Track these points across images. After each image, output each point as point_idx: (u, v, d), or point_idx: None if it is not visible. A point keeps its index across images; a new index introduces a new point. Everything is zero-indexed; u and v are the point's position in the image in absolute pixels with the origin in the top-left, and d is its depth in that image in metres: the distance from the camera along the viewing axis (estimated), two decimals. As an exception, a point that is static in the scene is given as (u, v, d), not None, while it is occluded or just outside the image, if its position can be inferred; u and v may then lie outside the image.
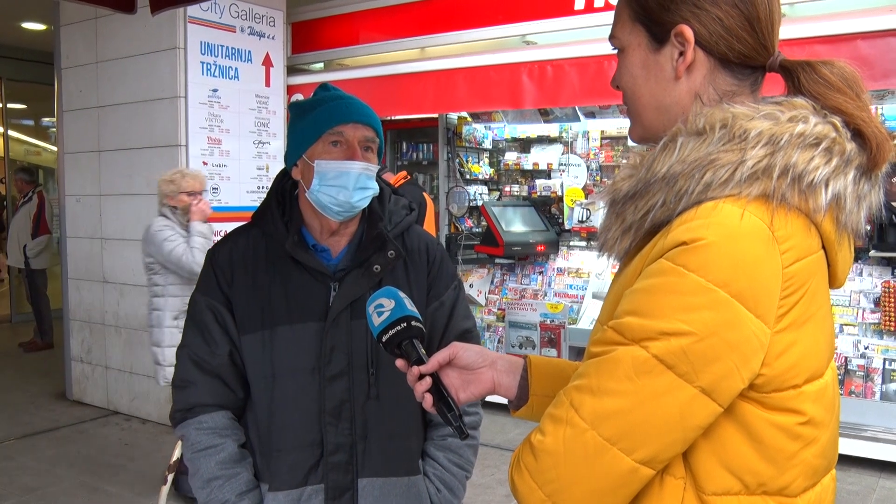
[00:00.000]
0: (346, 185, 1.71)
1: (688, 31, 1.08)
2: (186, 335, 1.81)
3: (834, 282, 1.10)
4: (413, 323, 1.37)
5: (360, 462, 1.74)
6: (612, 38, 1.20)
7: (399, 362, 1.35)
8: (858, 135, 1.03)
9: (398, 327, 1.36)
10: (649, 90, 1.14)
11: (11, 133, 13.77)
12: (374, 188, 1.77)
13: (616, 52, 1.20)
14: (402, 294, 1.43)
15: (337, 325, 1.73)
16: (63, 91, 6.72)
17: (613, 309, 1.04)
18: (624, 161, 1.12)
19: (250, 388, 1.78)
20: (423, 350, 1.35)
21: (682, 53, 1.09)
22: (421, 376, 1.30)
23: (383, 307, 1.40)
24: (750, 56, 1.09)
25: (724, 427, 1.00)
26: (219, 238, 1.97)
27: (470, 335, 1.88)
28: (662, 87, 1.12)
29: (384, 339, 1.37)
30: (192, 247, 4.34)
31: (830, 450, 1.10)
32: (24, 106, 12.12)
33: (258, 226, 1.83)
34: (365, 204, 1.77)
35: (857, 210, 1.03)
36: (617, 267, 1.18)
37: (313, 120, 1.75)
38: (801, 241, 0.99)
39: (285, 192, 1.85)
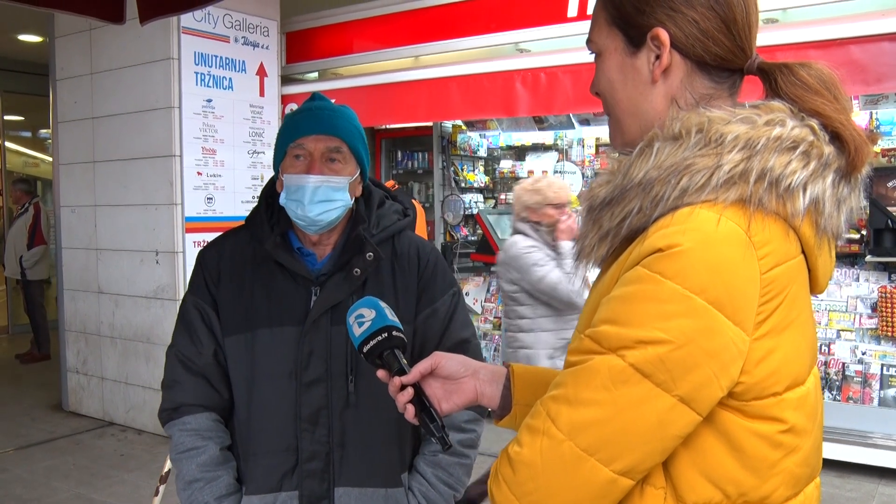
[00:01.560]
0: (301, 198, 1.70)
1: (663, 34, 1.07)
2: (175, 335, 1.83)
3: (815, 287, 1.09)
4: (394, 333, 1.36)
5: (337, 470, 1.72)
6: (589, 42, 1.19)
7: (380, 373, 1.34)
8: (837, 138, 1.02)
9: (379, 337, 1.34)
10: (627, 95, 1.13)
11: (9, 145, 13.78)
12: (343, 200, 1.74)
13: (594, 56, 1.19)
14: (382, 303, 1.41)
15: (316, 330, 1.71)
16: (58, 102, 6.72)
17: (591, 317, 1.03)
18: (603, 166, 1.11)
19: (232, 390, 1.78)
20: (404, 360, 1.34)
21: (658, 57, 1.08)
22: (403, 387, 1.29)
23: (364, 317, 1.38)
24: (727, 59, 1.08)
25: (703, 436, 0.99)
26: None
27: (468, 345, 1.83)
28: (640, 91, 1.11)
29: (365, 349, 1.35)
30: (567, 271, 3.69)
31: (814, 458, 1.09)
32: (21, 118, 12.12)
33: (248, 228, 1.84)
34: (329, 217, 1.73)
35: (837, 214, 1.02)
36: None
37: (283, 133, 1.76)
38: (779, 246, 0.98)
39: (275, 195, 1.85)
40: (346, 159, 1.75)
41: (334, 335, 1.71)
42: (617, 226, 1.04)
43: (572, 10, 5.55)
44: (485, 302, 7.10)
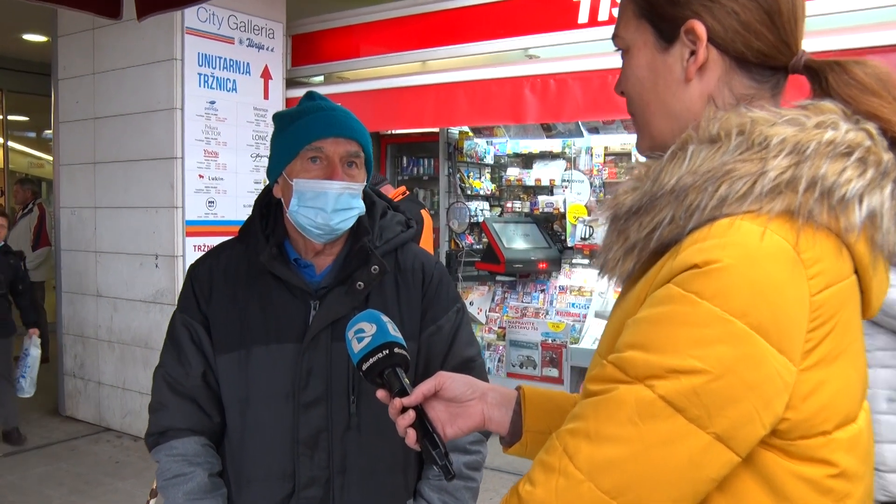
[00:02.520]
0: (324, 206, 1.59)
1: (699, 28, 0.95)
2: (163, 355, 1.73)
3: (867, 311, 0.97)
4: (396, 350, 1.27)
5: (338, 498, 1.61)
6: (615, 37, 1.08)
7: (380, 393, 1.25)
8: None
9: (379, 354, 1.25)
10: (657, 95, 1.01)
11: (14, 145, 13.74)
12: (359, 207, 1.64)
13: (620, 53, 1.08)
14: (384, 318, 1.32)
15: (315, 347, 1.60)
16: (60, 102, 6.64)
17: (614, 340, 0.92)
18: (628, 173, 1.00)
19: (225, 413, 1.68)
20: (406, 380, 1.25)
21: (693, 52, 0.97)
22: (404, 409, 1.20)
23: (364, 332, 1.29)
24: (770, 55, 0.96)
25: (742, 479, 0.87)
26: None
27: (473, 364, 1.72)
28: (672, 90, 0.99)
29: (364, 367, 1.26)
30: None
31: None
32: (26, 118, 12.07)
33: (243, 241, 1.73)
34: (348, 225, 1.64)
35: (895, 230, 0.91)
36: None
37: (292, 134, 1.63)
38: (831, 265, 0.86)
39: (271, 204, 1.75)
40: (361, 165, 1.66)
41: (335, 352, 1.60)
42: (645, 238, 0.92)
43: (583, 17, 5.45)
44: (489, 312, 7.00)
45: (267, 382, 1.61)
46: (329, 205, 1.58)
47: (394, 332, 1.30)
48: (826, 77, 0.94)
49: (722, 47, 0.96)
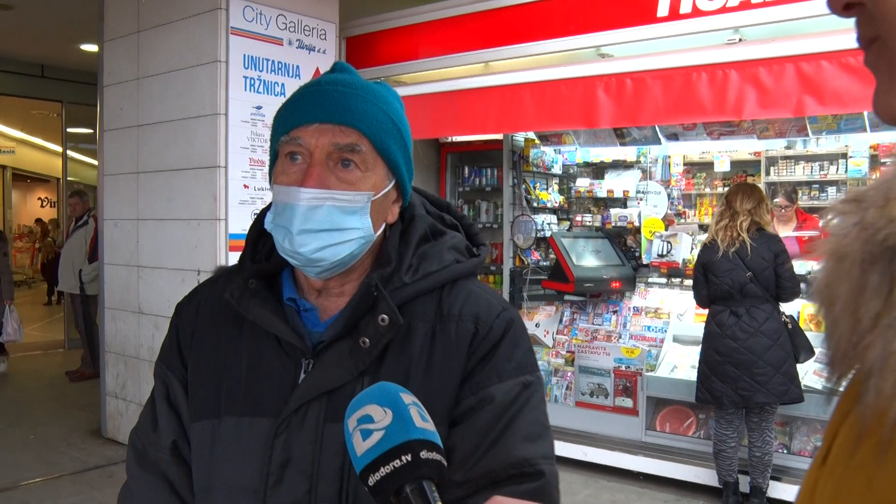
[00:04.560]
0: (289, 224, 1.09)
1: None
2: (141, 413, 1.30)
3: None
4: (424, 454, 0.80)
5: None
6: None
7: None
8: None
9: (397, 462, 0.80)
10: None
11: (79, 157, 13.78)
12: (360, 229, 1.12)
13: None
14: (406, 397, 0.85)
15: (299, 428, 1.10)
16: (105, 109, 6.36)
17: None
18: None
19: None
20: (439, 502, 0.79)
21: None
22: None
23: (373, 421, 0.82)
24: None
25: None
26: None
27: (530, 473, 1.06)
28: None
29: (371, 480, 0.80)
30: None
31: None
32: (90, 130, 12.03)
33: (241, 270, 1.25)
34: (337, 256, 1.11)
35: None
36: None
37: (274, 123, 1.16)
38: None
39: None
40: (367, 164, 1.12)
41: (327, 438, 1.09)
42: None
43: (662, 10, 4.90)
44: (556, 334, 6.47)
45: (231, 469, 1.13)
46: (295, 223, 1.08)
47: (422, 422, 0.83)
48: None
49: None
